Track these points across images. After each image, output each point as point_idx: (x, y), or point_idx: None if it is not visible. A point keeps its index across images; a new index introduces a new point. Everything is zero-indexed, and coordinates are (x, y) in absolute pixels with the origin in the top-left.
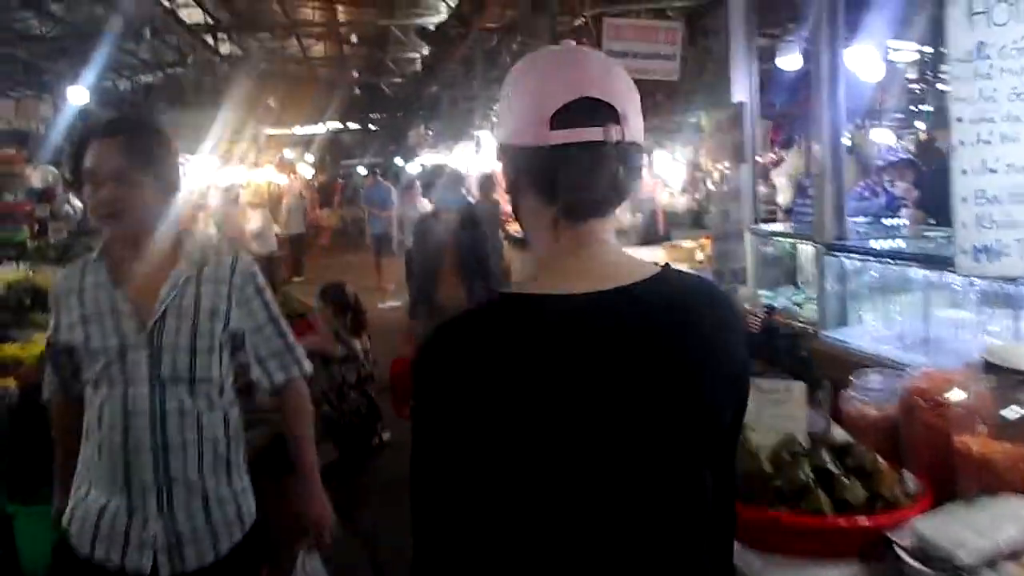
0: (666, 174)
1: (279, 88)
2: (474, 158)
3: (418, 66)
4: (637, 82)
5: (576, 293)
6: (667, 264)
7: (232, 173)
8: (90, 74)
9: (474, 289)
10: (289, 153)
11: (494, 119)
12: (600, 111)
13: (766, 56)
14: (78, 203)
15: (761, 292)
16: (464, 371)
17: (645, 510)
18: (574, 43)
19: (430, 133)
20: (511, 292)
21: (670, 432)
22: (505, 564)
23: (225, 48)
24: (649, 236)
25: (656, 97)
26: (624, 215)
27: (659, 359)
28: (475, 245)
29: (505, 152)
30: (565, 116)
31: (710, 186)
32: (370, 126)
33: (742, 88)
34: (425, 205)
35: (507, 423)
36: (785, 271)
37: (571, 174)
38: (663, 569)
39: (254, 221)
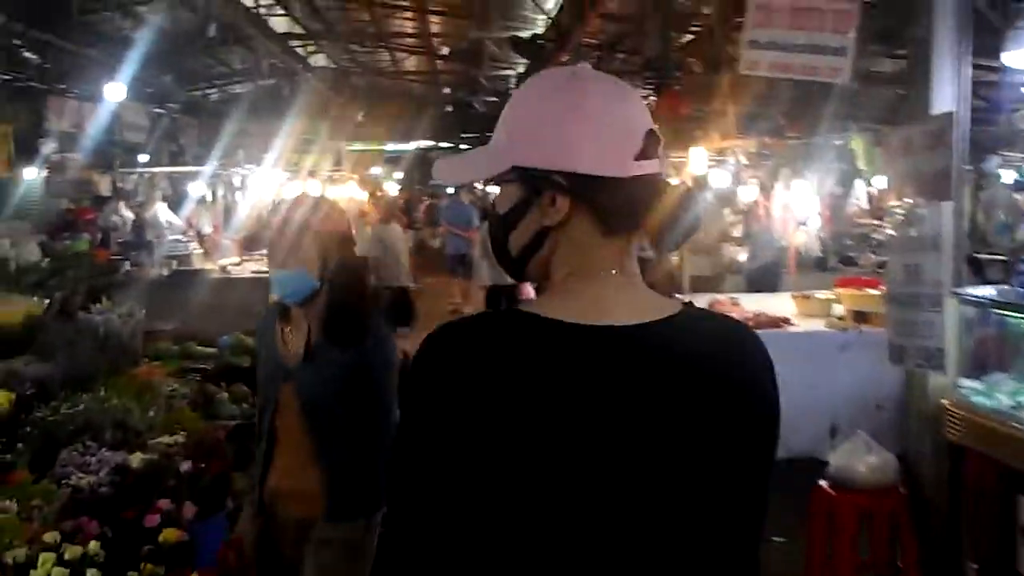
0: (799, 208)
1: (368, 103)
2: None
3: (512, 83)
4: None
5: (578, 322)
6: (689, 302)
7: (311, 188)
8: (127, 73)
9: None
10: (376, 170)
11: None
12: (656, 143)
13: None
14: (128, 213)
15: (967, 384)
16: (458, 376)
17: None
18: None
19: None
20: (523, 310)
21: (671, 481)
22: None
23: (316, 60)
24: (767, 282)
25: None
26: (733, 253)
27: (669, 402)
28: None
29: (574, 180)
30: (645, 147)
31: (889, 229)
32: (461, 145)
33: (947, 94)
34: None
35: (494, 440)
36: (1006, 353)
37: (641, 206)
38: None
39: None
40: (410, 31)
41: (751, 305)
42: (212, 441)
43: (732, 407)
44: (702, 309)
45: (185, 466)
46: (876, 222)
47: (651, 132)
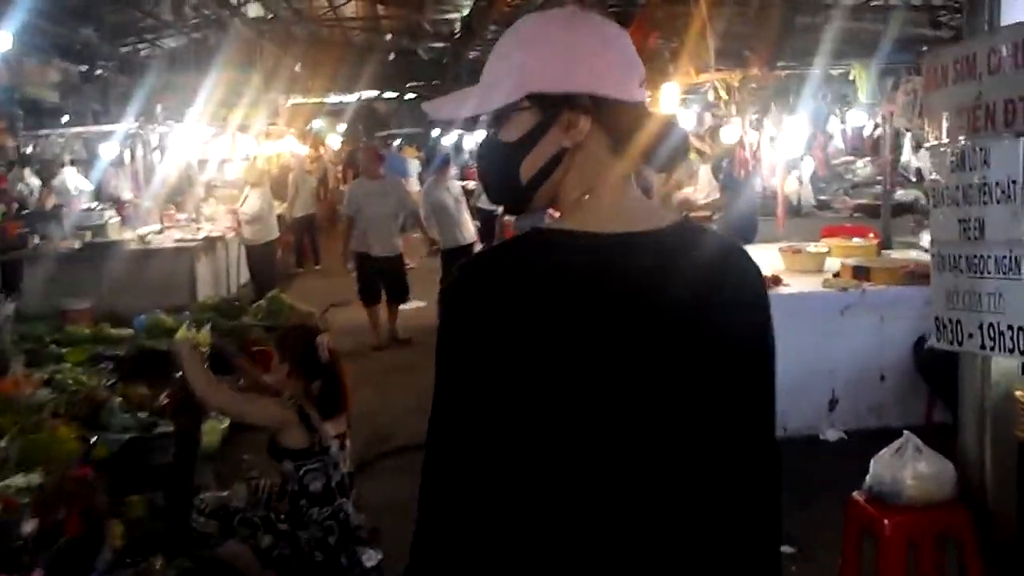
0: (789, 149)
1: (307, 53)
2: None
3: (457, 27)
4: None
5: (605, 232)
6: (686, 216)
7: (243, 144)
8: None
9: None
10: (318, 124)
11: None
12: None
13: None
14: (36, 181)
15: None
16: (486, 302)
17: (663, 471)
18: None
19: None
20: (542, 227)
21: (682, 374)
22: (520, 521)
23: (251, 10)
24: (745, 233)
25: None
26: (712, 196)
27: (676, 305)
28: None
29: (596, 100)
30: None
31: (934, 175)
32: (406, 95)
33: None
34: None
35: (525, 358)
36: None
37: (631, 135)
38: (690, 534)
39: (250, 202)
40: None
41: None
42: (74, 484)
43: (738, 306)
44: (700, 226)
45: (29, 527)
46: (851, 158)
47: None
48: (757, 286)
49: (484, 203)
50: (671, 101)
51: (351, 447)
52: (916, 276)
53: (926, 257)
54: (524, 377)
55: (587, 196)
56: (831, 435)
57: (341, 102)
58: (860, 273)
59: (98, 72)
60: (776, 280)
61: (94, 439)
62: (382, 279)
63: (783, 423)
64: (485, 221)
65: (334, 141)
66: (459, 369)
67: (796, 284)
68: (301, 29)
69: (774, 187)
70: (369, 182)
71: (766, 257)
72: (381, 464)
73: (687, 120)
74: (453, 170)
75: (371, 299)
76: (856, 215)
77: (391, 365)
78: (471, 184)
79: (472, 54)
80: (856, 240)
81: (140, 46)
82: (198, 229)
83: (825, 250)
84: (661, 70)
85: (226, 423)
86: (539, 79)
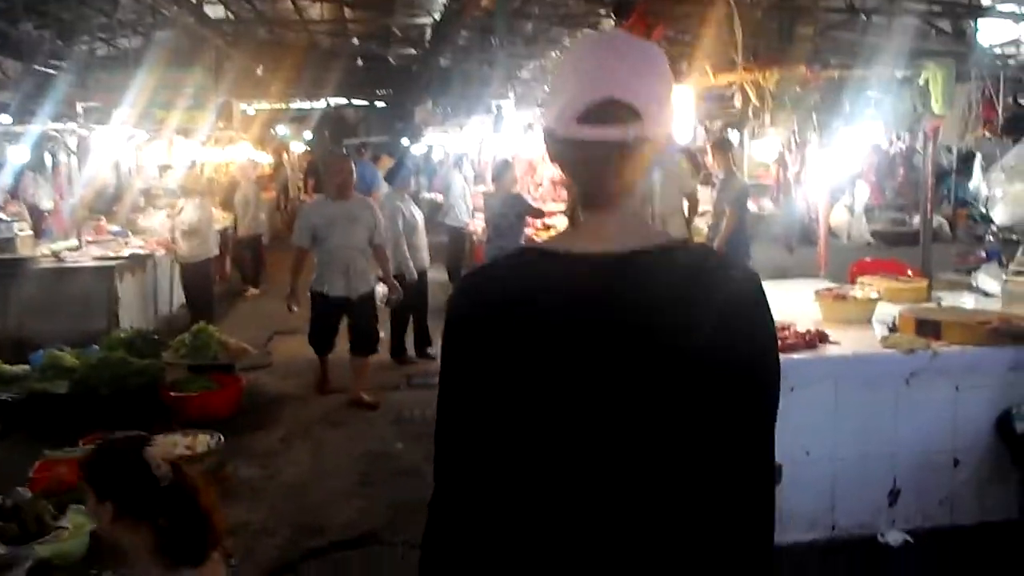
0: (838, 173)
1: (269, 56)
2: (490, 135)
3: (428, 33)
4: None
5: (586, 252)
6: (685, 240)
7: (186, 150)
8: None
9: None
10: (282, 130)
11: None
12: (624, 111)
13: None
14: None
15: None
16: (478, 313)
17: (634, 466)
18: (616, 29)
19: (437, 110)
20: (532, 245)
21: (657, 385)
22: (507, 502)
23: (214, 11)
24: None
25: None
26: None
27: (649, 321)
28: None
29: (546, 134)
30: (593, 113)
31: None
32: (376, 102)
33: None
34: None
35: (511, 361)
36: None
37: (590, 168)
38: (654, 531)
39: (185, 214)
40: None
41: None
42: None
43: (710, 330)
44: (698, 245)
45: None
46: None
47: (610, 101)
48: (746, 307)
49: (452, 219)
50: (684, 108)
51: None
52: (1002, 334)
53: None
54: (501, 378)
55: (580, 218)
56: (892, 537)
57: (307, 108)
58: (926, 329)
59: (48, 71)
60: (822, 337)
61: None
62: (346, 325)
63: (832, 520)
64: (453, 239)
65: (299, 148)
66: (454, 369)
67: (847, 342)
68: (264, 31)
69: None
70: (333, 203)
71: (794, 302)
72: (308, 568)
73: (681, 132)
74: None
75: (325, 347)
76: (870, 243)
77: (337, 418)
78: (440, 197)
79: (443, 61)
80: (900, 280)
81: (96, 46)
82: (125, 244)
83: (876, 296)
84: (673, 70)
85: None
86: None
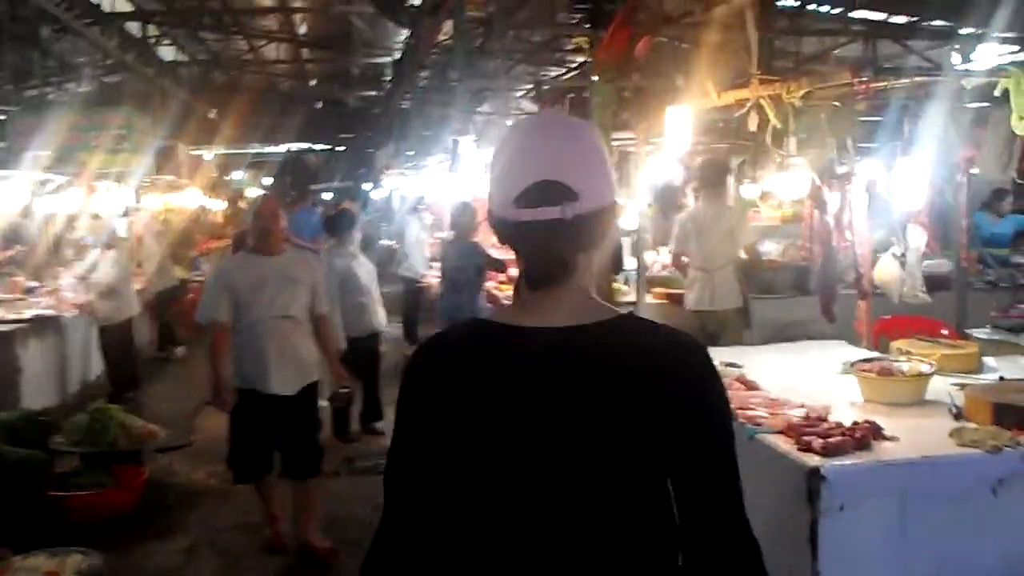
0: (888, 214)
1: (225, 100)
2: (447, 176)
3: (388, 74)
4: None
5: (532, 326)
6: (631, 313)
7: (117, 198)
8: None
9: None
10: (239, 176)
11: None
12: (559, 191)
13: None
14: None
15: None
16: (427, 374)
17: (565, 519)
18: (550, 110)
19: (398, 153)
20: (482, 318)
21: (589, 443)
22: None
23: (165, 54)
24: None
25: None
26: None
27: (596, 393)
28: None
29: (488, 215)
30: (528, 195)
31: None
32: (337, 147)
33: None
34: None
35: (454, 424)
36: None
37: (529, 248)
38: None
39: (102, 270)
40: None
41: (773, 381)
42: None
43: (637, 402)
44: (644, 320)
45: None
46: None
47: (544, 183)
48: (692, 365)
49: (407, 270)
50: (679, 132)
51: None
52: None
53: None
54: (448, 431)
55: (523, 296)
56: None
57: (266, 153)
58: (1007, 417)
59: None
60: (875, 431)
61: None
62: (278, 435)
63: None
64: (408, 291)
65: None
66: (405, 424)
67: (906, 436)
68: (220, 74)
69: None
70: (259, 259)
71: (818, 375)
72: None
73: (657, 170)
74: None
75: (257, 471)
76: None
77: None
78: (396, 245)
79: (404, 103)
80: (942, 345)
81: (47, 89)
82: (30, 304)
83: (930, 369)
84: (666, 88)
85: None
86: None
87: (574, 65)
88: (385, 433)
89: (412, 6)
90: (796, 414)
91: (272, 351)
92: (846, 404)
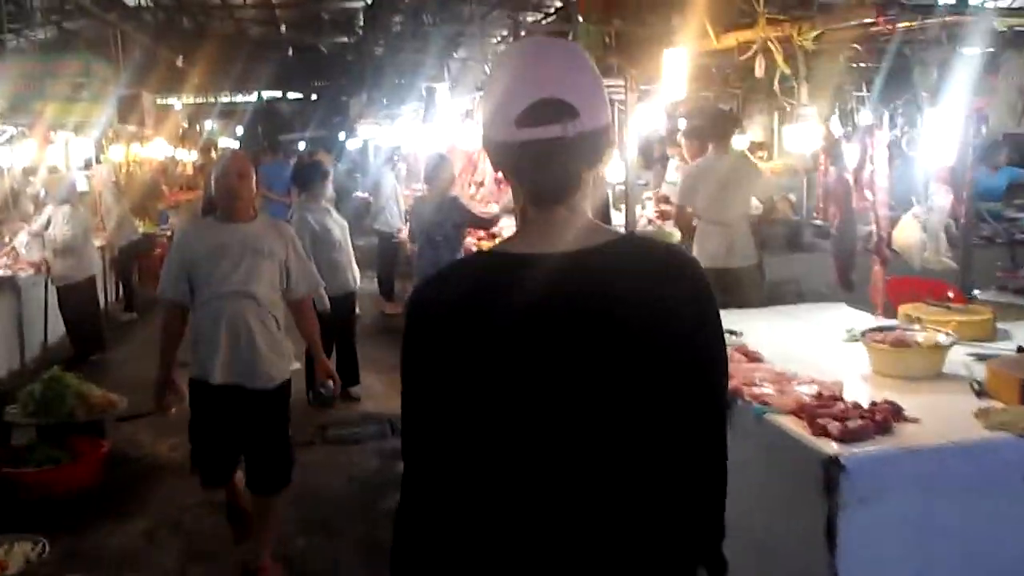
0: (910, 176)
1: (193, 47)
2: (419, 126)
3: (360, 19)
4: None
5: (539, 253)
6: (632, 232)
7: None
8: None
9: None
10: (209, 125)
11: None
12: (560, 108)
13: None
14: None
15: None
16: (434, 315)
17: (591, 450)
18: (543, 36)
19: (372, 102)
20: (487, 249)
21: (610, 372)
22: (474, 501)
23: None
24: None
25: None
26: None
27: (608, 314)
28: None
29: (484, 142)
30: (529, 115)
31: None
32: (311, 95)
33: None
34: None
35: (471, 363)
36: None
37: (534, 167)
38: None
39: (56, 227)
40: None
41: (773, 350)
42: None
43: (645, 322)
44: (644, 237)
45: None
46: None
47: (544, 101)
48: (692, 284)
49: (382, 224)
50: (675, 77)
51: None
52: None
53: None
54: (461, 380)
55: (525, 224)
56: None
57: (238, 102)
58: None
59: None
60: (896, 412)
61: None
62: (240, 436)
63: None
64: (384, 246)
65: (230, 145)
66: (414, 375)
67: (928, 417)
68: (188, 21)
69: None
70: (220, 226)
71: (821, 344)
72: None
73: (646, 120)
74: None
75: (220, 476)
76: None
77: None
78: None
79: (377, 50)
80: (954, 310)
81: (5, 37)
82: None
83: (948, 340)
84: (657, 30)
85: None
86: None
87: (551, 11)
88: (361, 399)
89: None
90: (807, 391)
91: (223, 334)
92: (856, 377)
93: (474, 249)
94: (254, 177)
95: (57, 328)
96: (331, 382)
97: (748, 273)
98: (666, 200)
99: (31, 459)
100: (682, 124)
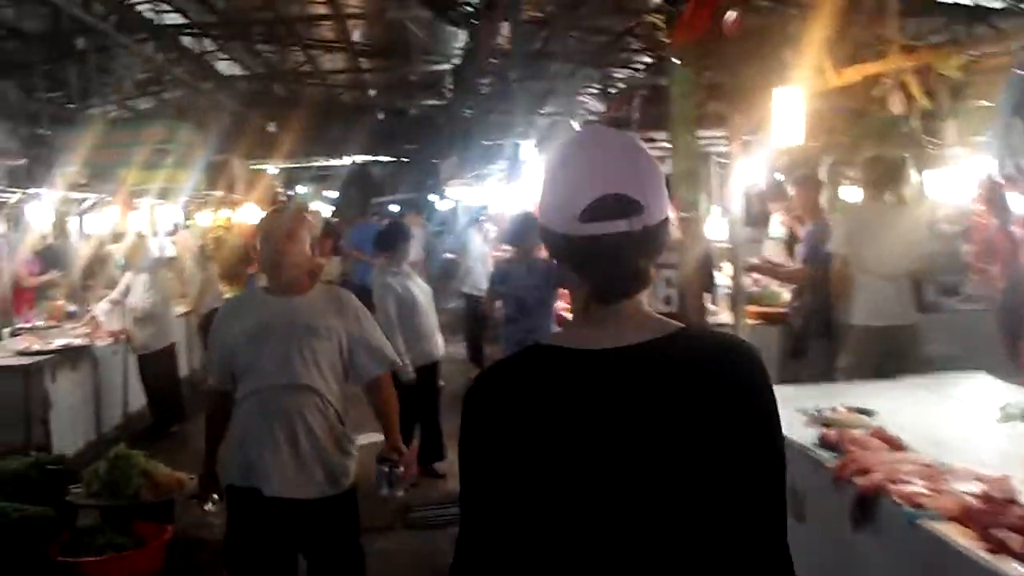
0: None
1: (285, 113)
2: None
3: (448, 81)
4: None
5: (598, 349)
6: (687, 327)
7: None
8: None
9: None
10: (302, 190)
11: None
12: (625, 203)
13: None
14: None
15: None
16: (492, 410)
17: (646, 552)
18: (602, 126)
19: (462, 163)
20: (544, 344)
21: (664, 474)
22: None
23: (223, 68)
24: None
25: None
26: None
27: (666, 412)
28: None
29: (543, 234)
30: (594, 209)
31: None
32: (402, 158)
33: None
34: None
35: (523, 456)
36: None
37: (599, 263)
38: None
39: (136, 294)
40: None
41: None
42: None
43: (712, 411)
44: (703, 331)
45: None
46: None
47: (609, 196)
48: (750, 380)
49: (469, 287)
50: (789, 120)
51: None
52: None
53: None
54: (518, 472)
55: (585, 318)
56: None
57: (329, 165)
58: None
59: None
60: None
61: None
62: (299, 549)
63: None
64: (471, 308)
65: (323, 210)
66: (473, 459)
67: None
68: (280, 87)
69: None
70: (267, 301)
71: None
72: None
73: (750, 175)
74: (416, 250)
75: None
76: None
77: None
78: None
79: (466, 112)
80: None
81: (108, 108)
82: (64, 332)
83: None
84: (762, 70)
85: None
86: None
87: (640, 68)
88: (446, 476)
89: (466, 3)
90: (969, 490)
91: (274, 437)
92: (1021, 468)
93: (564, 315)
94: (308, 240)
95: (138, 398)
96: (400, 468)
97: (911, 333)
98: (768, 263)
99: (92, 545)
100: (779, 177)
